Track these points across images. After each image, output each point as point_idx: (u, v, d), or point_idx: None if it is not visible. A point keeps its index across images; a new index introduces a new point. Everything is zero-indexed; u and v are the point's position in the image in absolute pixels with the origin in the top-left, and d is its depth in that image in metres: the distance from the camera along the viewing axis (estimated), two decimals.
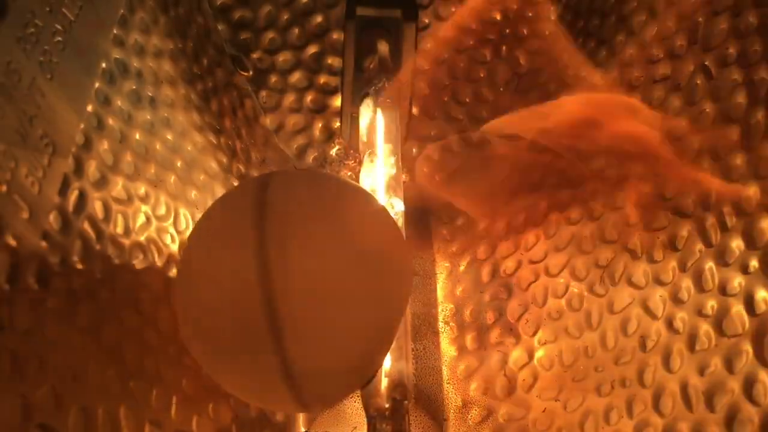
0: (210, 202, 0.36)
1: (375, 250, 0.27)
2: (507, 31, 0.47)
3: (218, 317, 0.26)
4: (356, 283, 0.26)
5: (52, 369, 0.22)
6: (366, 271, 0.26)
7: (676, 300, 0.31)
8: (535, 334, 0.37)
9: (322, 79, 0.47)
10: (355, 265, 0.26)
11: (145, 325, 0.28)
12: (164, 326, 0.29)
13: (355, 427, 0.37)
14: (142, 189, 0.30)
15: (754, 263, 0.28)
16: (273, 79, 0.47)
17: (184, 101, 0.36)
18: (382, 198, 0.38)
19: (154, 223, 0.31)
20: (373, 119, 0.41)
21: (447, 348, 0.41)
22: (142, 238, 0.29)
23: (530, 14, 0.46)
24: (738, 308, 0.28)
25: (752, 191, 0.29)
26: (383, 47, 0.42)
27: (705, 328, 0.29)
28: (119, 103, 0.30)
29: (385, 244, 0.28)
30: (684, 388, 0.29)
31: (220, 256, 0.26)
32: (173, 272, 0.31)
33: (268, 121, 0.47)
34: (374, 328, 0.27)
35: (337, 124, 0.47)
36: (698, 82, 0.33)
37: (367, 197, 0.29)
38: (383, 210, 0.29)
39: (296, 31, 0.47)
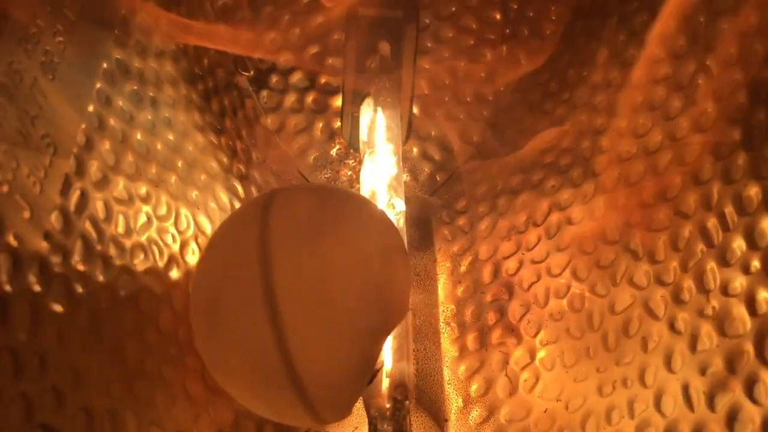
0: (210, 202, 0.36)
1: (376, 260, 0.28)
2: (507, 31, 0.47)
3: (228, 337, 0.26)
4: (357, 293, 0.27)
5: (53, 369, 0.23)
6: (367, 280, 0.27)
7: (678, 300, 0.31)
8: (536, 334, 0.37)
9: (323, 79, 0.47)
10: (356, 275, 0.27)
11: (147, 325, 0.28)
12: (165, 326, 0.29)
13: (356, 428, 0.37)
14: (143, 189, 0.30)
15: (755, 264, 0.28)
16: (274, 79, 0.47)
17: (185, 101, 0.36)
18: (383, 198, 0.38)
19: (155, 223, 0.31)
20: (373, 119, 0.41)
21: (448, 348, 0.41)
22: (143, 239, 0.29)
23: (531, 14, 0.46)
24: (739, 309, 0.28)
25: (754, 191, 0.29)
26: (384, 47, 0.42)
27: (706, 328, 0.29)
28: (120, 103, 0.30)
29: (386, 254, 0.28)
30: (685, 389, 0.29)
31: (227, 276, 0.27)
32: (174, 272, 0.31)
33: (269, 121, 0.47)
34: (375, 334, 0.27)
35: (338, 124, 0.47)
36: (700, 82, 0.33)
37: (367, 207, 0.30)
38: (384, 218, 0.29)
39: (297, 31, 0.47)
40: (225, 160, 0.39)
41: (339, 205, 0.29)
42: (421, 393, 0.39)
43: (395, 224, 0.31)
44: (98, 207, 0.27)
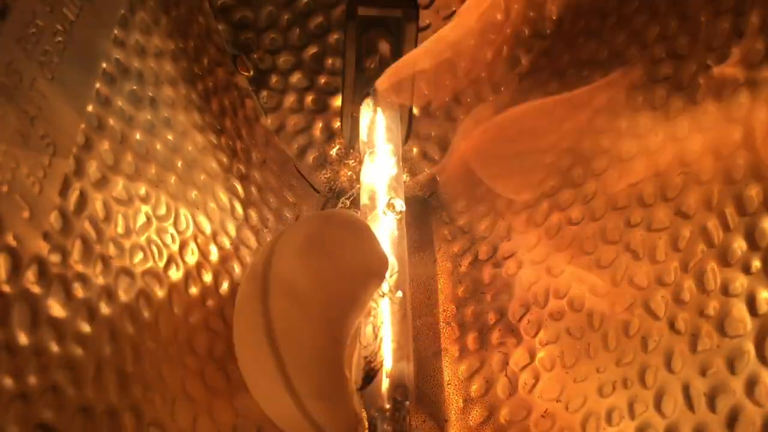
0: (210, 202, 0.36)
1: (356, 280, 0.30)
2: (508, 31, 0.47)
3: (245, 357, 0.29)
4: (340, 305, 0.29)
5: (52, 369, 0.22)
6: (348, 297, 0.30)
7: (678, 300, 0.31)
8: (536, 334, 0.37)
9: (323, 79, 0.47)
10: (341, 290, 0.30)
11: (146, 325, 0.28)
12: (164, 327, 0.29)
13: None
14: (142, 189, 0.30)
15: (756, 263, 0.28)
16: (274, 79, 0.47)
17: (184, 101, 0.36)
18: (383, 198, 0.38)
19: (155, 223, 0.31)
20: (373, 119, 0.41)
21: (448, 348, 0.41)
22: (142, 239, 0.29)
23: (532, 14, 0.46)
24: (740, 309, 0.28)
25: (754, 191, 0.29)
26: (384, 47, 0.42)
27: (707, 328, 0.29)
28: (120, 103, 0.30)
29: (367, 277, 0.31)
30: (686, 389, 0.29)
31: (242, 323, 0.30)
32: (173, 272, 0.31)
33: (268, 121, 0.47)
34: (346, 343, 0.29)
35: (338, 124, 0.47)
36: (700, 81, 0.33)
37: (361, 233, 0.32)
38: (376, 247, 0.32)
39: (297, 31, 0.47)
40: (225, 160, 0.39)
41: (336, 229, 0.32)
42: (421, 393, 0.39)
43: (386, 252, 0.34)
44: (97, 207, 0.27)
